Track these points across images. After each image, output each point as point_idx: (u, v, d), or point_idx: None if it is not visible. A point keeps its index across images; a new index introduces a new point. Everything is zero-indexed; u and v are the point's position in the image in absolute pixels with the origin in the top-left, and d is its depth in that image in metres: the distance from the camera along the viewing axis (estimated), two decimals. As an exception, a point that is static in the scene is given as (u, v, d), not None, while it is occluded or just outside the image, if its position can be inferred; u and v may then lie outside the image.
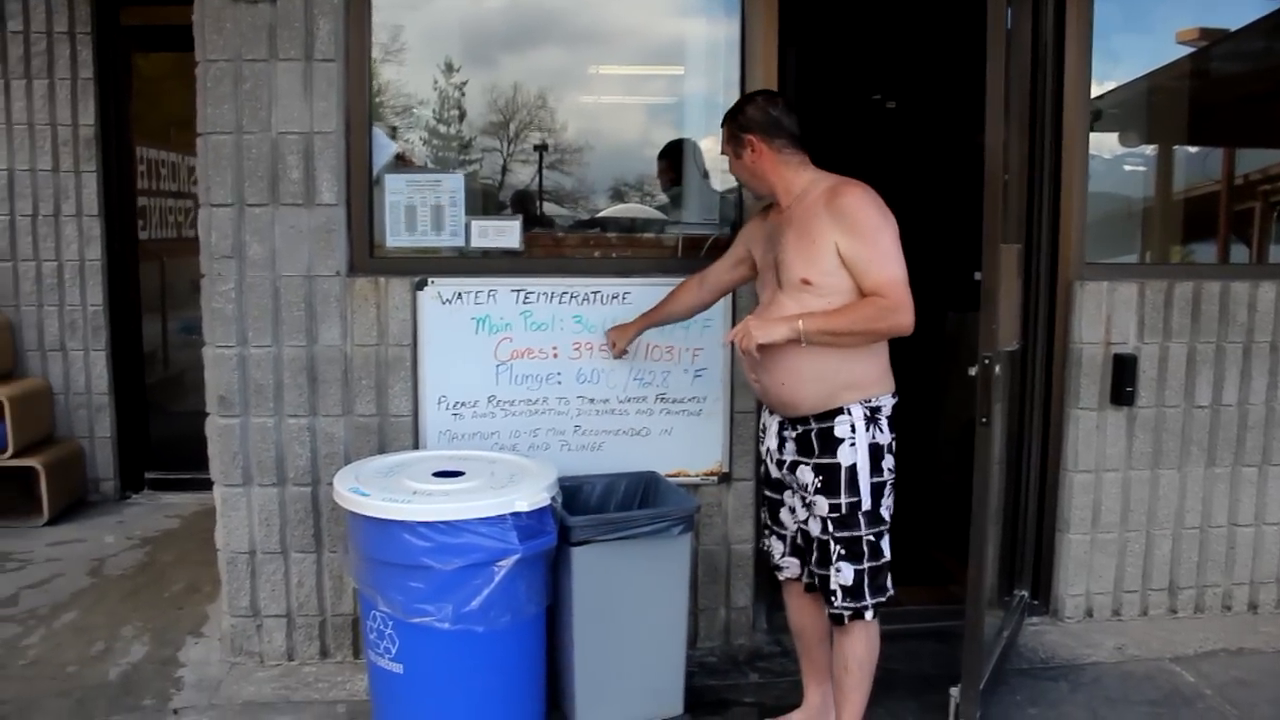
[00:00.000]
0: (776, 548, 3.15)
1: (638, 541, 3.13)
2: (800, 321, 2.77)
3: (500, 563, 2.88)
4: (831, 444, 2.88)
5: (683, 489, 3.48)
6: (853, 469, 2.88)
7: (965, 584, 3.17)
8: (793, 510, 3.06)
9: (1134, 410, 3.97)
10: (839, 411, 2.87)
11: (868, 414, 2.88)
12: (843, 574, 2.91)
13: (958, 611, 3.25)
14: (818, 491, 2.91)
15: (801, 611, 3.17)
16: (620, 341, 3.53)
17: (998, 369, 3.05)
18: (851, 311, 2.79)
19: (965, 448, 3.20)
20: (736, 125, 3.03)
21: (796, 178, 2.97)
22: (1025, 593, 4.05)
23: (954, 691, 3.19)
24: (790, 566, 3.12)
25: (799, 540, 3.07)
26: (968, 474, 3.13)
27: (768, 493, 3.17)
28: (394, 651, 2.97)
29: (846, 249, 2.78)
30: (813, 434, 2.91)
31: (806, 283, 2.83)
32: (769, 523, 3.18)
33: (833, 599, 2.93)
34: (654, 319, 3.48)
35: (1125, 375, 3.91)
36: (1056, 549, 4.05)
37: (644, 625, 3.22)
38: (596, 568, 3.11)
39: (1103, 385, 3.94)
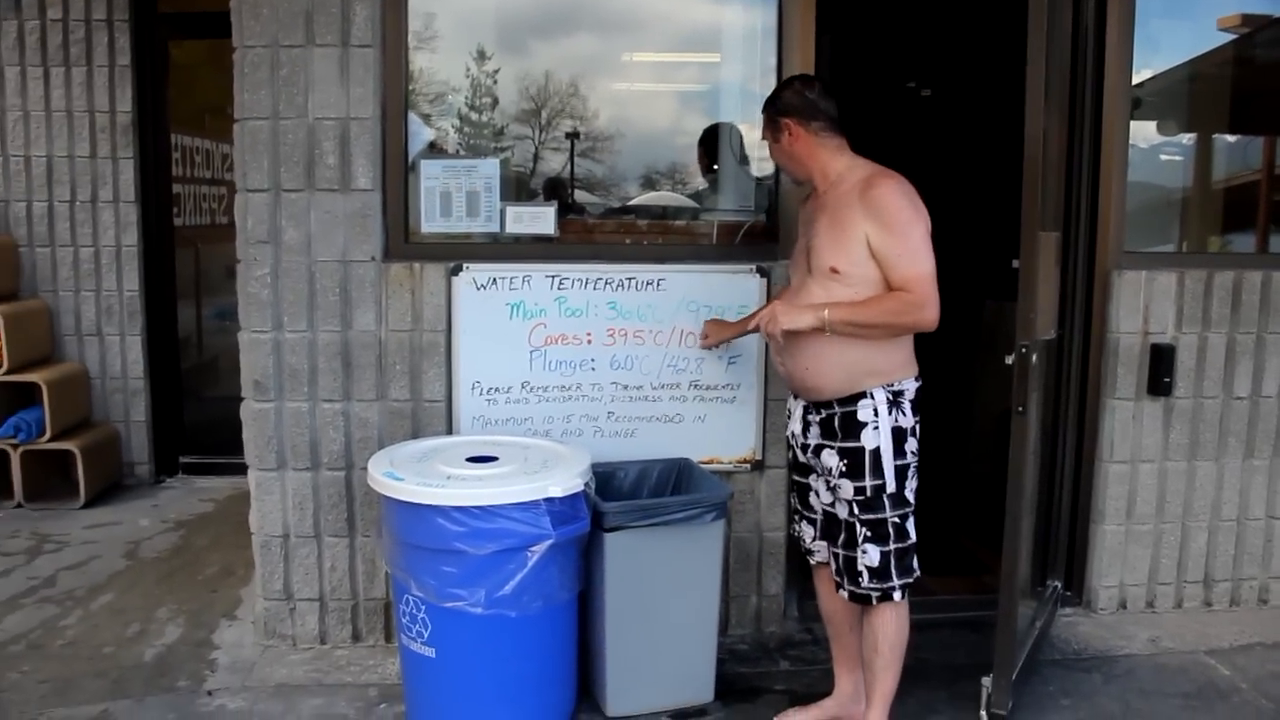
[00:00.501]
0: (807, 532, 3.17)
1: (671, 528, 3.13)
2: (826, 311, 2.80)
3: (533, 548, 2.89)
4: (854, 427, 2.89)
5: (715, 476, 3.47)
6: (876, 452, 2.89)
7: (999, 574, 3.15)
8: (818, 494, 3.07)
9: (1171, 401, 3.93)
10: (861, 395, 2.88)
11: (890, 397, 2.89)
12: (869, 555, 2.92)
13: (991, 601, 3.24)
14: (842, 475, 2.93)
15: (833, 597, 3.15)
16: (714, 336, 3.52)
17: (1035, 358, 3.03)
18: (877, 304, 2.81)
19: (1000, 437, 3.18)
20: (775, 110, 3.04)
21: (833, 161, 2.97)
22: (1058, 583, 4.02)
23: (986, 681, 3.17)
24: (821, 550, 3.13)
25: (826, 523, 3.07)
26: (1002, 464, 3.12)
27: (796, 477, 3.19)
28: (426, 635, 2.99)
29: (877, 241, 2.79)
30: (835, 418, 2.92)
31: (835, 271, 2.84)
32: (799, 507, 3.20)
33: (859, 580, 2.94)
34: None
35: (1163, 365, 3.87)
36: (1090, 540, 4.02)
37: (676, 612, 3.22)
38: (629, 554, 3.11)
39: (1140, 375, 3.90)
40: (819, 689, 3.34)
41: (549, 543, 2.89)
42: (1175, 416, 3.94)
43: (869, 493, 2.90)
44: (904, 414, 2.91)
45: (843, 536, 2.98)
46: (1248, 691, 3.47)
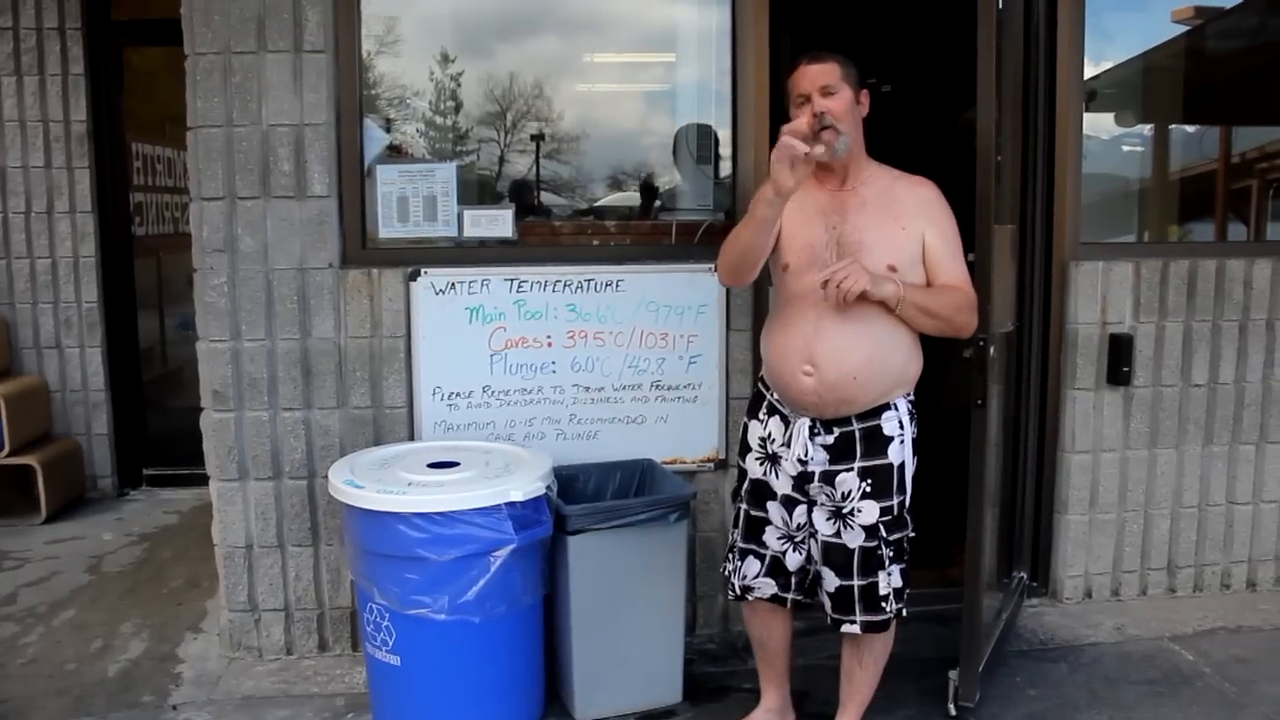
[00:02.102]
0: (752, 568, 2.94)
1: (634, 529, 3.12)
2: (901, 286, 2.65)
3: (496, 553, 2.88)
4: (880, 443, 2.76)
5: (679, 476, 3.46)
6: (902, 467, 2.79)
7: (965, 567, 3.16)
8: (800, 526, 2.86)
9: (1131, 390, 3.96)
10: (885, 408, 2.77)
11: (909, 408, 2.83)
12: (894, 577, 2.81)
13: (958, 594, 3.25)
14: (865, 496, 2.76)
15: (769, 626, 3.05)
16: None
17: (993, 350, 3.04)
18: (945, 294, 2.72)
19: (964, 430, 3.18)
20: (856, 71, 2.82)
21: (865, 153, 2.87)
22: (1024, 574, 4.05)
23: (953, 674, 3.19)
24: (764, 586, 2.95)
25: (795, 558, 2.90)
26: (967, 456, 3.12)
27: (751, 511, 2.94)
28: (391, 643, 2.97)
29: (933, 240, 2.74)
30: (856, 435, 2.76)
31: (892, 269, 2.69)
32: (744, 544, 2.96)
33: (883, 606, 2.81)
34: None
35: (1121, 355, 3.90)
36: (1055, 530, 4.05)
37: (642, 613, 3.22)
38: (593, 556, 3.10)
39: (1099, 365, 3.93)
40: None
41: (511, 547, 2.88)
42: (1135, 405, 3.98)
43: (895, 511, 2.79)
44: (915, 425, 2.85)
45: (857, 566, 2.79)
46: (1211, 676, 3.50)
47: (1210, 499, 4.09)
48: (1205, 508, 4.09)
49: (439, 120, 3.93)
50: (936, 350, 5.39)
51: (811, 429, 2.78)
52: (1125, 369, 3.91)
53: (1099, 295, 3.90)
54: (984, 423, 3.09)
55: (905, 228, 2.74)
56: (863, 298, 2.61)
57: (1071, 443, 3.96)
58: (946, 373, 5.42)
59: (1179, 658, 3.64)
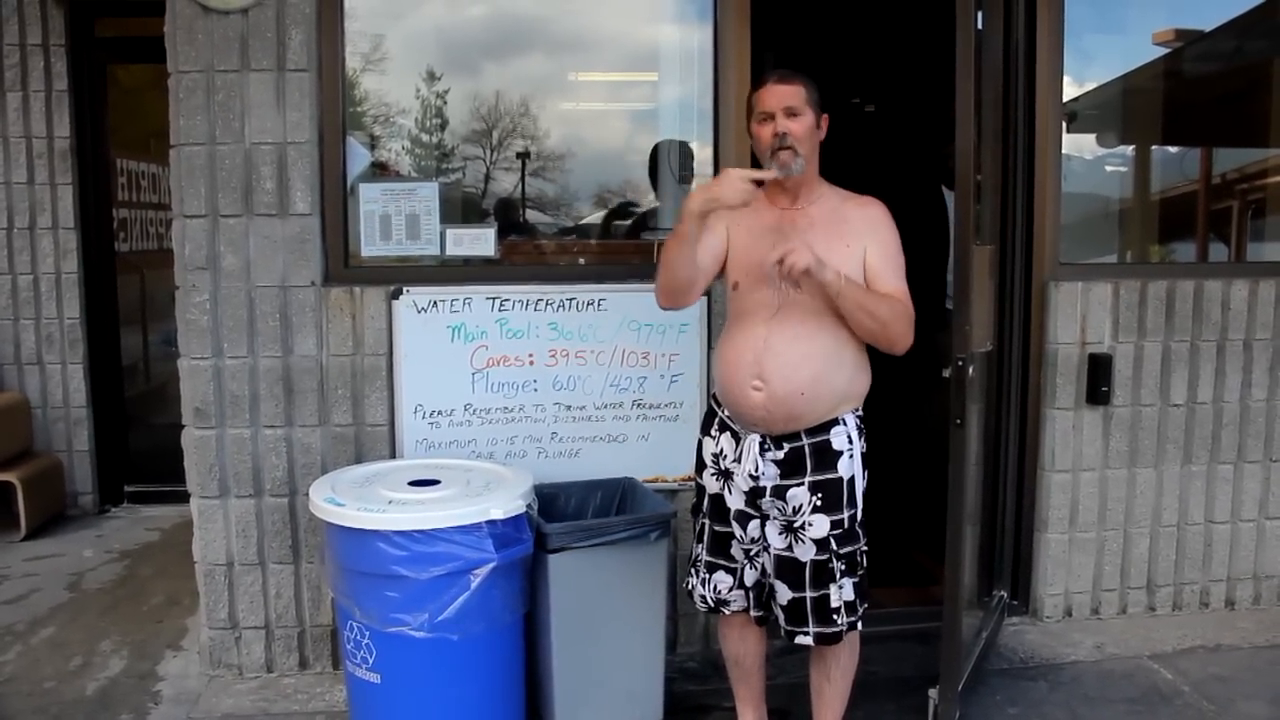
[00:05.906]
0: (724, 582, 2.95)
1: (615, 548, 3.12)
2: (843, 277, 2.66)
3: (476, 571, 2.87)
4: (830, 457, 2.78)
5: (660, 494, 3.47)
6: (852, 481, 2.80)
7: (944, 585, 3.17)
8: (757, 540, 2.86)
9: (1110, 409, 3.98)
10: (834, 423, 2.79)
11: (858, 423, 2.84)
12: (845, 590, 2.81)
13: (939, 613, 3.26)
14: (816, 510, 2.77)
15: (745, 641, 3.07)
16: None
17: (972, 370, 3.06)
18: (885, 300, 2.72)
19: (946, 448, 3.19)
20: (818, 95, 2.83)
21: (818, 174, 2.90)
22: (1004, 593, 4.06)
23: (932, 693, 3.19)
24: (738, 600, 2.96)
25: (752, 572, 2.92)
26: (946, 475, 3.14)
27: (716, 527, 2.93)
28: (371, 661, 2.96)
29: (875, 256, 2.76)
30: (805, 450, 2.77)
31: None
32: (711, 558, 2.96)
33: (834, 619, 2.82)
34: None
35: (1100, 375, 3.93)
36: (1035, 549, 4.06)
37: (622, 631, 3.22)
38: (573, 574, 3.10)
39: (1079, 385, 3.95)
40: (768, 706, 3.33)
41: (491, 565, 2.88)
42: (1114, 425, 4.00)
43: (846, 524, 2.79)
44: (864, 439, 2.86)
45: (809, 578, 2.80)
46: (1190, 694, 3.52)
47: (1189, 518, 4.11)
48: (1184, 527, 4.12)
49: (424, 138, 3.95)
50: (919, 370, 5.45)
51: (762, 444, 2.80)
52: (1104, 389, 3.93)
53: (1078, 315, 3.93)
54: (963, 442, 3.10)
55: (850, 245, 2.77)
56: (808, 274, 2.63)
57: (1051, 462, 3.98)
58: (928, 394, 5.45)
59: (1158, 676, 3.65)
